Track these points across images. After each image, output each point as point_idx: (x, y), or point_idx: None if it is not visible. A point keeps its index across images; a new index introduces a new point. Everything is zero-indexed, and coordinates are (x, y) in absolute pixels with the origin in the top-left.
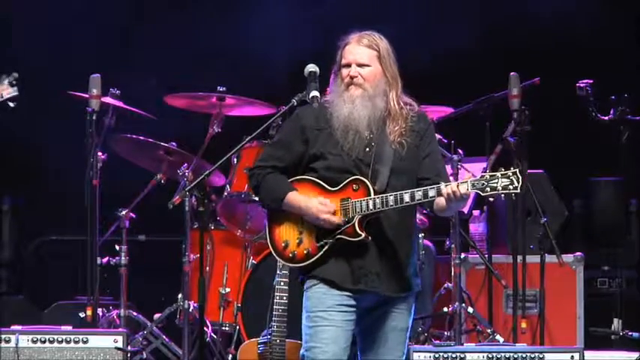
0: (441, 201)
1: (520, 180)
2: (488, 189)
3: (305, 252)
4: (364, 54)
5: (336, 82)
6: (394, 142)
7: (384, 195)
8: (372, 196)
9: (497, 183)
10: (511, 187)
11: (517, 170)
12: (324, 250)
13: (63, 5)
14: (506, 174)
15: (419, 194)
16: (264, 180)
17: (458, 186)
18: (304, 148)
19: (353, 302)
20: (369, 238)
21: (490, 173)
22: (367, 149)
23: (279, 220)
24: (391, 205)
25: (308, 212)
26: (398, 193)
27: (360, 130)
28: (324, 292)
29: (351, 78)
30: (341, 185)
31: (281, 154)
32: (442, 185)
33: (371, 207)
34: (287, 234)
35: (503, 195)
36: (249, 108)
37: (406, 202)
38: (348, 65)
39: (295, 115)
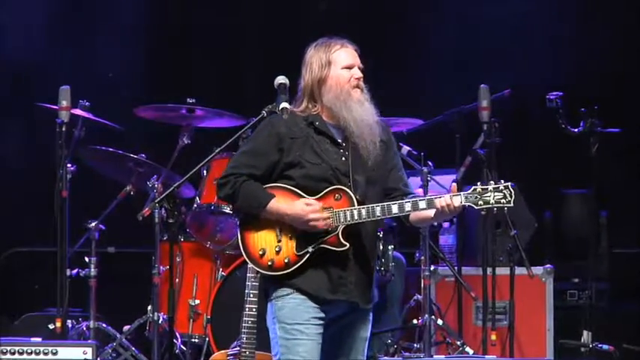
0: (423, 213)
1: (513, 194)
2: (481, 202)
3: (285, 261)
4: (358, 59)
5: (326, 85)
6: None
7: (371, 205)
8: (357, 206)
9: (490, 197)
10: (504, 201)
11: (508, 184)
12: (305, 258)
13: (32, 17)
14: (498, 187)
15: (408, 205)
16: (242, 187)
17: (451, 199)
18: (279, 157)
19: (323, 314)
20: (351, 247)
21: (481, 186)
22: (343, 158)
23: (254, 226)
24: (378, 216)
25: (295, 216)
26: (385, 204)
27: (367, 134)
28: (298, 303)
29: (357, 80)
30: (321, 194)
31: (256, 162)
32: (434, 198)
33: (356, 217)
34: (264, 241)
35: (496, 209)
36: (219, 120)
37: (394, 214)
38: (350, 67)
39: (268, 123)
